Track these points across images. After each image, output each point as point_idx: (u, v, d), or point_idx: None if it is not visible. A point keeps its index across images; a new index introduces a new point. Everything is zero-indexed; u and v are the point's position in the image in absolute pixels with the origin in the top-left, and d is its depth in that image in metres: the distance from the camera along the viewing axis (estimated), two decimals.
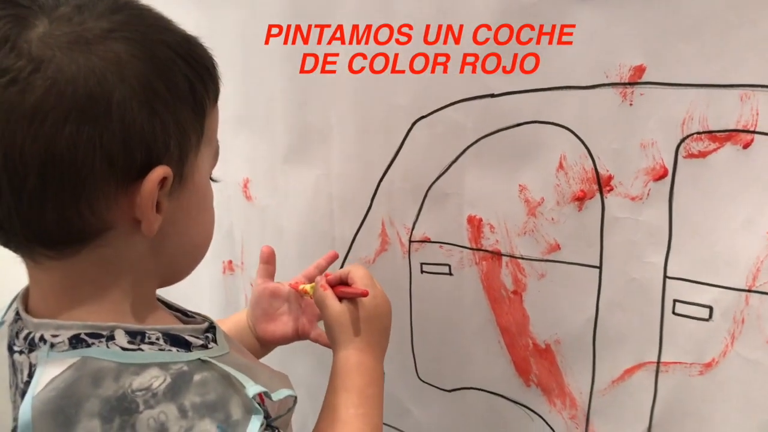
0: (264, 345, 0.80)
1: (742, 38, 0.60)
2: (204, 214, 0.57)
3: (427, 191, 0.82)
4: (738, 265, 0.64)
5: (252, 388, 0.49)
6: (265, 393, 0.50)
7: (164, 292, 0.63)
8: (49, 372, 0.47)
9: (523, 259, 0.77)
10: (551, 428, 0.79)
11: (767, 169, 0.61)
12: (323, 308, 0.70)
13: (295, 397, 0.56)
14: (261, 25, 0.91)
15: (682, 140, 0.65)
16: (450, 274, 0.83)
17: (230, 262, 1.07)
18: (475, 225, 0.80)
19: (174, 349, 0.51)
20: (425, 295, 0.86)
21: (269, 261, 0.81)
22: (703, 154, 0.64)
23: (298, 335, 0.79)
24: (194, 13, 0.98)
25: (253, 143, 0.98)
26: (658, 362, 0.70)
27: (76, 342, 0.48)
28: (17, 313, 0.52)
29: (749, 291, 0.64)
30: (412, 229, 0.85)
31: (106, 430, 0.44)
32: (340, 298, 0.70)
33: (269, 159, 0.97)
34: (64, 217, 0.46)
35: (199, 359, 0.50)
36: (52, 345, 0.48)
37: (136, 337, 0.50)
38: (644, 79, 0.65)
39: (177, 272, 0.59)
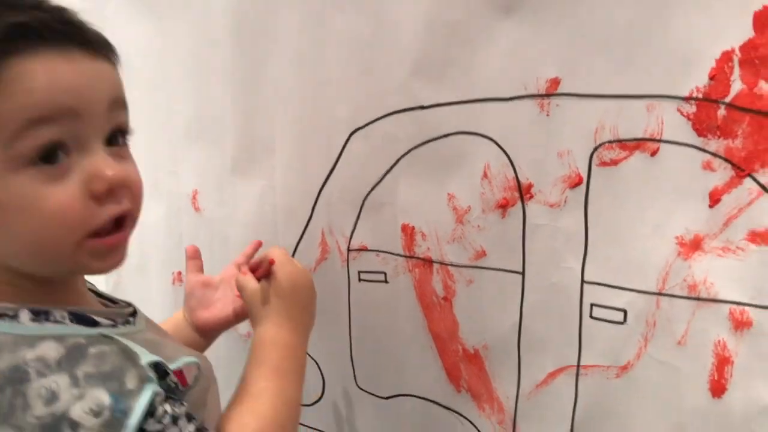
0: (204, 335, 0.81)
1: (647, 52, 0.63)
2: (3, 215, 0.51)
3: (364, 201, 0.85)
4: (649, 269, 0.66)
5: (146, 358, 0.50)
6: (161, 362, 0.52)
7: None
8: None
9: (452, 265, 0.79)
10: None
11: (673, 176, 0.64)
12: (242, 290, 0.72)
13: (198, 364, 0.57)
14: (210, 41, 0.94)
15: (595, 149, 0.67)
16: (386, 281, 0.85)
17: (179, 273, 1.08)
18: (408, 233, 0.82)
19: (77, 326, 0.53)
20: (363, 303, 0.88)
21: (196, 257, 0.86)
22: (614, 162, 0.67)
23: (237, 316, 0.81)
24: (149, 30, 1.02)
25: (203, 156, 1.01)
26: (578, 365, 0.72)
27: None
28: None
29: (660, 294, 0.66)
30: (350, 238, 0.87)
31: None
32: (259, 279, 0.72)
33: (218, 171, 0.99)
34: None
35: (100, 334, 0.52)
36: None
37: (40, 315, 0.52)
38: (559, 90, 0.68)
39: (27, 269, 0.54)
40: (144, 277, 1.12)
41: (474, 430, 0.81)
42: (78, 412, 0.46)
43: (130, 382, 0.49)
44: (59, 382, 0.47)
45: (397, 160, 0.81)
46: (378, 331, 0.88)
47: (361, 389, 0.91)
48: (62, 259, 0.53)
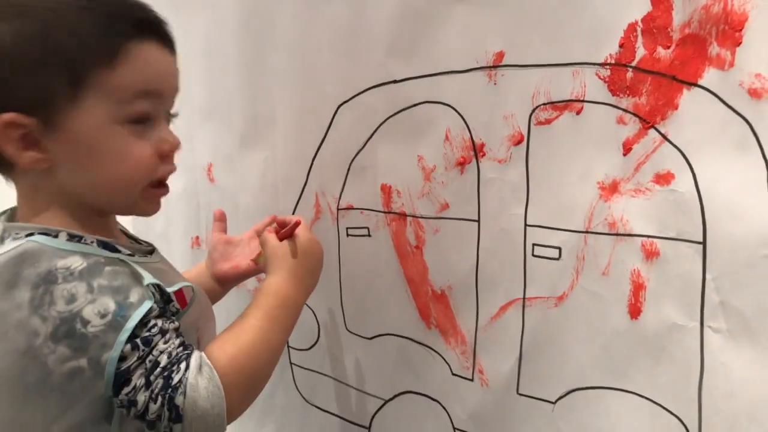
0: (222, 283, 0.97)
1: (571, 26, 0.75)
2: (99, 157, 0.66)
3: (350, 165, 0.98)
4: (578, 211, 0.78)
5: (148, 279, 0.65)
6: (159, 284, 0.66)
7: None
8: (5, 248, 0.63)
9: (422, 217, 0.92)
10: (447, 364, 0.93)
11: (595, 131, 0.75)
12: (264, 245, 0.86)
13: (192, 287, 0.71)
14: (221, 31, 1.09)
15: (533, 111, 0.79)
16: (369, 235, 0.98)
17: (197, 237, 1.23)
18: (386, 191, 0.95)
19: (101, 249, 0.67)
20: (350, 255, 1.02)
21: (222, 219, 1.01)
22: (548, 122, 0.79)
23: (251, 272, 0.96)
24: (170, 22, 1.17)
25: (216, 132, 1.15)
26: (524, 298, 0.84)
27: (29, 236, 0.65)
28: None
29: (587, 232, 0.78)
30: (339, 198, 1.00)
31: (33, 294, 0.60)
32: (281, 240, 0.85)
33: (228, 145, 1.13)
34: None
35: (117, 258, 0.66)
36: (14, 238, 0.65)
37: (74, 238, 0.66)
38: (504, 62, 0.80)
39: (98, 203, 0.70)
40: (167, 242, 1.27)
41: (442, 361, 0.94)
42: (89, 312, 0.60)
43: (133, 297, 0.63)
44: (78, 288, 0.61)
45: (376, 128, 0.94)
46: (363, 279, 1.01)
47: (350, 332, 1.04)
48: (128, 199, 0.70)
